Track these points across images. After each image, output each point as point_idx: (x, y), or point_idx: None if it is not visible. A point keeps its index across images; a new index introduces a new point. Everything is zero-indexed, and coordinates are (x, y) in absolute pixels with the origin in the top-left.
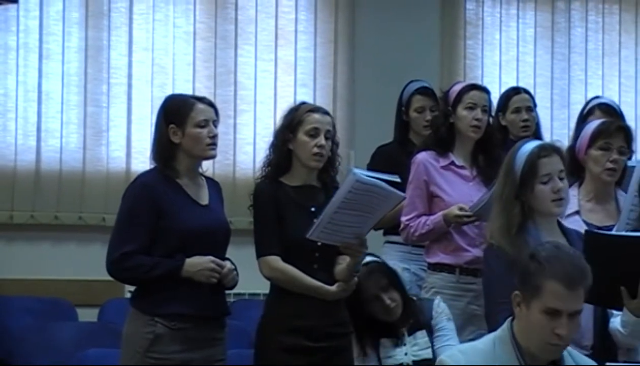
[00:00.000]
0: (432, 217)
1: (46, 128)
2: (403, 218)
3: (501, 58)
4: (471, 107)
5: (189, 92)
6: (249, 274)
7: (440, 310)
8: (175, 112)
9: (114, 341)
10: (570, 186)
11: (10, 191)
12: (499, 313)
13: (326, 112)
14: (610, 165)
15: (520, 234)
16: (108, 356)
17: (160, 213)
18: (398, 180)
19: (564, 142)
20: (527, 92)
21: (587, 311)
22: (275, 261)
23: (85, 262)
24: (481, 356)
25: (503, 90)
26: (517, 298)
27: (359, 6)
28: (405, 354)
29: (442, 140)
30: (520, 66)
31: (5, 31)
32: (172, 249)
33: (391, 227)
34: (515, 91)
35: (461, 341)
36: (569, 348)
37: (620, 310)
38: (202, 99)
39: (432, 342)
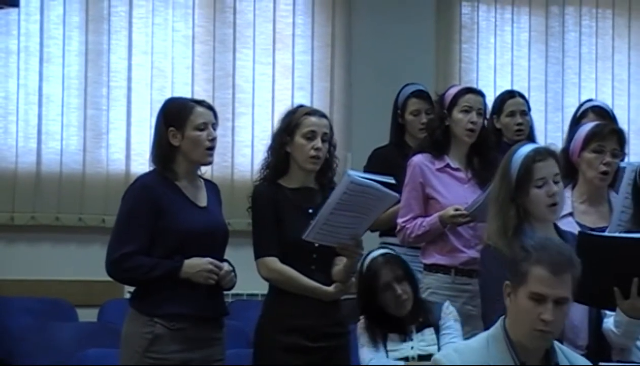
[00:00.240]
0: (428, 218)
1: (47, 131)
2: (399, 220)
3: (496, 62)
4: (467, 111)
5: (188, 95)
6: (247, 275)
7: (449, 312)
8: (175, 115)
9: (114, 341)
10: (563, 187)
11: (11, 193)
12: (495, 312)
13: (323, 115)
14: (603, 168)
15: (516, 236)
16: (107, 356)
17: (159, 214)
18: (392, 181)
19: (559, 146)
20: (521, 96)
21: (582, 312)
22: (273, 262)
23: (85, 263)
24: (475, 354)
25: (498, 93)
26: (507, 288)
27: (355, 10)
28: (412, 348)
29: (438, 143)
30: (514, 69)
31: (7, 35)
32: (171, 251)
33: (387, 229)
34: (510, 94)
35: None
36: (563, 347)
37: (613, 310)
38: (201, 102)
39: (438, 340)
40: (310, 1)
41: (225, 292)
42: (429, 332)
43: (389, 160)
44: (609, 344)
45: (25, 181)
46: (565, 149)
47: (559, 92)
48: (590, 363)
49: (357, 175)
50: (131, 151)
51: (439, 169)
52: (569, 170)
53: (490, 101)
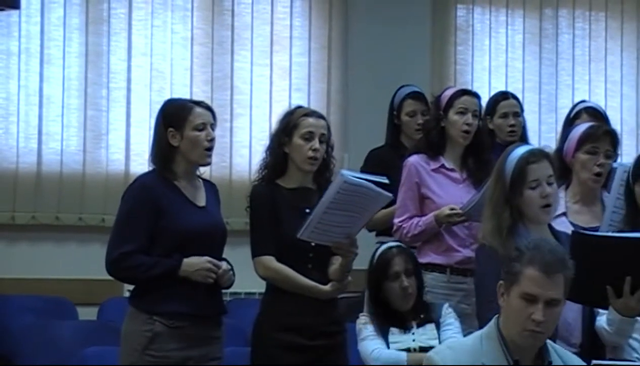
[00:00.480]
0: (424, 218)
1: (47, 131)
2: (396, 220)
3: (491, 63)
4: (462, 112)
5: (187, 96)
6: (245, 274)
7: (449, 311)
8: (174, 115)
9: (114, 339)
10: (557, 188)
11: (12, 193)
12: (489, 311)
13: (321, 116)
14: (597, 169)
15: (510, 236)
16: (107, 354)
17: (158, 214)
18: (386, 181)
19: (552, 146)
20: (514, 97)
21: (575, 310)
22: (270, 261)
23: (85, 262)
24: (468, 352)
25: (492, 94)
26: (501, 287)
27: (352, 13)
28: (413, 340)
29: (433, 143)
30: (509, 71)
31: (8, 37)
32: (170, 250)
33: (384, 229)
34: (504, 96)
35: None
36: (556, 346)
37: (606, 309)
38: (199, 103)
39: (439, 335)
40: (307, 4)
41: (223, 291)
42: (430, 327)
43: (385, 161)
44: (602, 342)
45: (26, 181)
46: (559, 150)
47: (553, 93)
48: (583, 362)
49: (351, 175)
50: (131, 151)
51: (434, 170)
52: (563, 171)
53: (485, 102)
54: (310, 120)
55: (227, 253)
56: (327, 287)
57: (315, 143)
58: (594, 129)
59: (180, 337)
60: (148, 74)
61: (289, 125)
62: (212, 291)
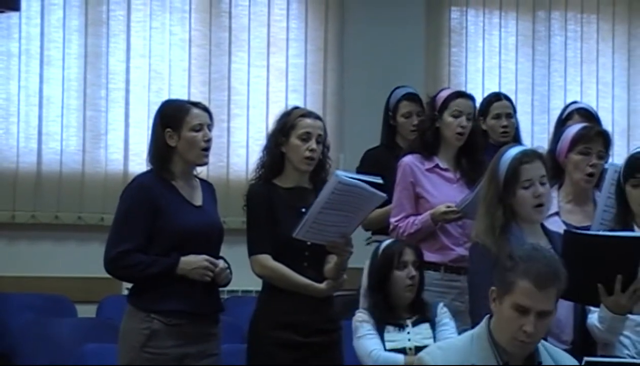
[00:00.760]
0: (420, 217)
1: (47, 131)
2: (392, 219)
3: (484, 65)
4: (456, 115)
5: (185, 97)
6: (242, 272)
7: (444, 311)
8: (172, 116)
9: (112, 337)
10: (550, 188)
11: (12, 192)
12: (483, 308)
13: (318, 117)
14: (589, 170)
15: (503, 234)
16: (106, 351)
17: (156, 213)
18: (380, 181)
19: (545, 147)
20: (507, 98)
21: (567, 308)
22: (266, 259)
23: (84, 260)
24: (459, 352)
25: (485, 95)
26: (493, 293)
27: (348, 15)
28: (409, 340)
29: (428, 143)
30: (502, 72)
31: (8, 38)
32: (168, 249)
33: (379, 228)
34: (497, 97)
35: None
36: (547, 344)
37: (597, 306)
38: (197, 104)
39: (434, 335)
40: (304, 6)
41: (220, 289)
42: (425, 327)
43: (381, 161)
44: (594, 339)
45: (26, 180)
46: (552, 150)
47: (545, 94)
48: (574, 360)
49: (345, 175)
50: (129, 151)
51: (428, 170)
52: (555, 171)
53: (478, 103)
54: (308, 121)
55: (224, 251)
56: (323, 285)
57: (313, 144)
58: (586, 130)
59: (177, 334)
60: (146, 75)
61: (287, 125)
62: (210, 289)
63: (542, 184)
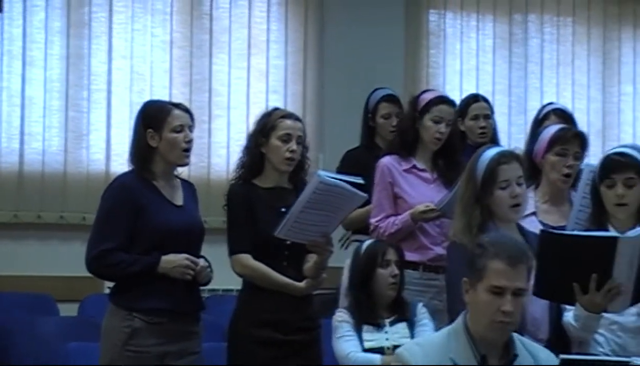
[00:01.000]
0: (399, 217)
1: (29, 132)
2: (372, 220)
3: (462, 67)
4: (437, 121)
5: (166, 98)
6: (223, 271)
7: (424, 311)
8: (153, 117)
9: (94, 335)
10: (527, 188)
11: None
12: (460, 306)
13: (298, 118)
14: (566, 170)
15: (480, 234)
16: (88, 350)
17: (137, 213)
18: (361, 181)
19: (522, 148)
20: (485, 100)
21: (543, 306)
22: (247, 258)
23: (67, 259)
24: (436, 348)
25: (463, 97)
26: (465, 284)
27: (327, 17)
28: (387, 339)
29: (407, 143)
30: (480, 74)
31: None
32: (149, 248)
33: (360, 228)
34: (474, 98)
35: None
36: (523, 338)
37: (573, 305)
38: (178, 105)
39: (412, 334)
40: (284, 8)
41: (201, 287)
42: (402, 326)
43: (360, 162)
44: (569, 337)
45: (8, 180)
46: (529, 151)
47: (522, 96)
48: (551, 354)
49: (327, 175)
50: (111, 151)
51: (405, 170)
52: (532, 171)
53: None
54: (288, 122)
55: (205, 250)
56: (302, 284)
57: (293, 145)
58: (563, 132)
59: (159, 332)
60: (128, 76)
61: (267, 126)
62: (191, 287)
63: (519, 184)
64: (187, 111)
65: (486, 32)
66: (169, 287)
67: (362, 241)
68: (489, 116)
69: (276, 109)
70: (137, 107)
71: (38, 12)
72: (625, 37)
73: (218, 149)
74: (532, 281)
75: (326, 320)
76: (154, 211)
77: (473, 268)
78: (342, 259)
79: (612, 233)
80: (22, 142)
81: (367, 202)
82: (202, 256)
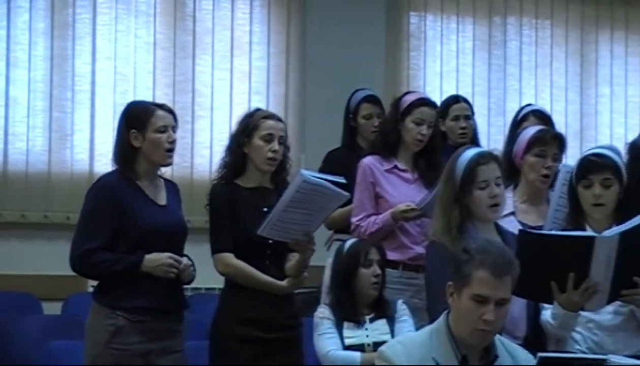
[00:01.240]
0: (380, 216)
1: (13, 132)
2: (353, 219)
3: (442, 68)
4: (418, 123)
5: (150, 99)
6: (206, 269)
7: (404, 308)
8: (137, 118)
9: (78, 333)
10: (505, 188)
11: None
12: (439, 305)
13: (280, 119)
14: (545, 171)
15: (460, 233)
16: (72, 348)
17: (120, 212)
18: (343, 181)
19: (500, 149)
20: (466, 101)
21: (521, 305)
22: (229, 257)
23: (50, 258)
24: (418, 346)
25: (443, 98)
26: (450, 288)
27: (309, 19)
28: (367, 336)
29: (389, 144)
30: (459, 76)
31: None
32: (133, 247)
33: (342, 227)
34: (455, 99)
35: None
36: (503, 339)
37: (550, 303)
38: (161, 106)
39: (392, 330)
40: (266, 10)
41: (184, 286)
42: (382, 322)
43: (342, 162)
44: (546, 335)
45: None
46: (507, 151)
47: (501, 97)
48: (529, 355)
49: (310, 174)
50: (95, 151)
51: (387, 170)
52: (511, 171)
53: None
54: (270, 122)
55: (188, 249)
56: (284, 282)
57: (275, 144)
58: (542, 134)
59: (142, 331)
60: (112, 77)
61: (249, 127)
62: (174, 286)
63: (497, 185)
64: (170, 111)
65: (466, 35)
66: (152, 286)
67: (344, 241)
68: (469, 116)
69: (258, 109)
70: (120, 108)
71: (22, 13)
72: (602, 39)
73: (201, 150)
74: None
75: (308, 318)
76: (138, 210)
77: (459, 273)
78: (323, 258)
79: (589, 232)
80: (6, 142)
81: (349, 201)
82: (185, 255)
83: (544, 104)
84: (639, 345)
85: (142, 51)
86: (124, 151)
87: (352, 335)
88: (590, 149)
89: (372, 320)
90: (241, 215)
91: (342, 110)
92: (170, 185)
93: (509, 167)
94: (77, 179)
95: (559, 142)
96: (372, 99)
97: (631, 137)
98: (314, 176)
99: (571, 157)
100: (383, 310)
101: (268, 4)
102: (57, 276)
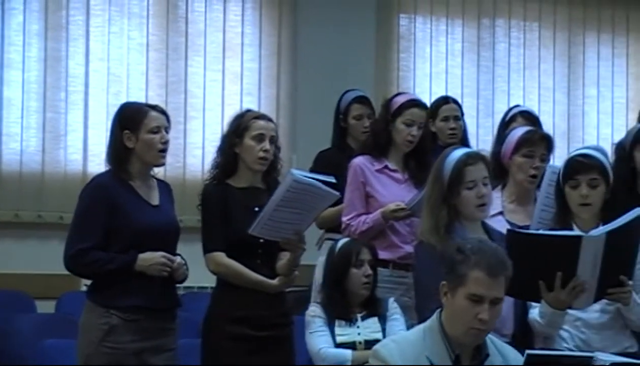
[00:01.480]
0: (370, 215)
1: (7, 132)
2: (344, 218)
3: (431, 70)
4: (409, 124)
5: (143, 100)
6: (198, 268)
7: (395, 306)
8: (130, 118)
9: (71, 332)
10: (494, 188)
11: None
12: (428, 303)
13: (270, 119)
14: (533, 172)
15: (447, 233)
16: (65, 346)
17: (114, 212)
18: (333, 181)
19: (488, 150)
20: (455, 102)
21: (508, 303)
22: (221, 257)
23: (44, 257)
24: (412, 345)
25: (433, 99)
26: (444, 287)
27: (301, 21)
28: (359, 334)
29: (380, 144)
30: (449, 77)
31: None
32: (126, 247)
33: (333, 226)
34: (445, 100)
35: None
36: (493, 338)
37: (538, 302)
38: (154, 107)
39: (384, 328)
40: (258, 12)
41: (177, 285)
42: (373, 321)
43: (333, 162)
44: (533, 333)
45: None
46: (496, 152)
47: (490, 98)
48: (518, 353)
49: (300, 174)
50: (88, 152)
51: (378, 170)
52: (499, 172)
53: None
54: (261, 122)
55: (180, 249)
56: (275, 281)
57: (266, 144)
58: (530, 134)
59: (135, 329)
60: (105, 78)
61: (240, 127)
62: (167, 285)
63: (485, 185)
64: (163, 112)
65: (455, 36)
66: (145, 284)
67: (335, 240)
68: (458, 117)
69: (249, 110)
70: (113, 109)
71: (16, 15)
72: (589, 41)
73: (193, 150)
74: None
75: (299, 317)
76: (131, 210)
77: (453, 273)
78: (314, 257)
79: (576, 232)
80: (0, 143)
81: (339, 201)
82: (178, 254)
83: (532, 105)
84: (625, 342)
85: (135, 53)
86: (117, 151)
87: (344, 333)
88: (577, 150)
89: (363, 318)
90: (233, 215)
91: (332, 111)
92: (163, 185)
93: (497, 168)
94: (71, 180)
95: (547, 143)
96: (363, 100)
97: (617, 137)
98: (304, 176)
99: (558, 158)
100: (375, 308)
101: (259, 6)
102: (50, 275)
